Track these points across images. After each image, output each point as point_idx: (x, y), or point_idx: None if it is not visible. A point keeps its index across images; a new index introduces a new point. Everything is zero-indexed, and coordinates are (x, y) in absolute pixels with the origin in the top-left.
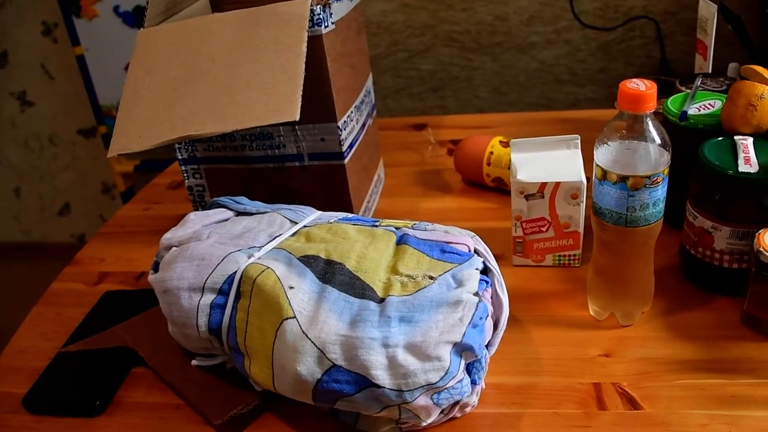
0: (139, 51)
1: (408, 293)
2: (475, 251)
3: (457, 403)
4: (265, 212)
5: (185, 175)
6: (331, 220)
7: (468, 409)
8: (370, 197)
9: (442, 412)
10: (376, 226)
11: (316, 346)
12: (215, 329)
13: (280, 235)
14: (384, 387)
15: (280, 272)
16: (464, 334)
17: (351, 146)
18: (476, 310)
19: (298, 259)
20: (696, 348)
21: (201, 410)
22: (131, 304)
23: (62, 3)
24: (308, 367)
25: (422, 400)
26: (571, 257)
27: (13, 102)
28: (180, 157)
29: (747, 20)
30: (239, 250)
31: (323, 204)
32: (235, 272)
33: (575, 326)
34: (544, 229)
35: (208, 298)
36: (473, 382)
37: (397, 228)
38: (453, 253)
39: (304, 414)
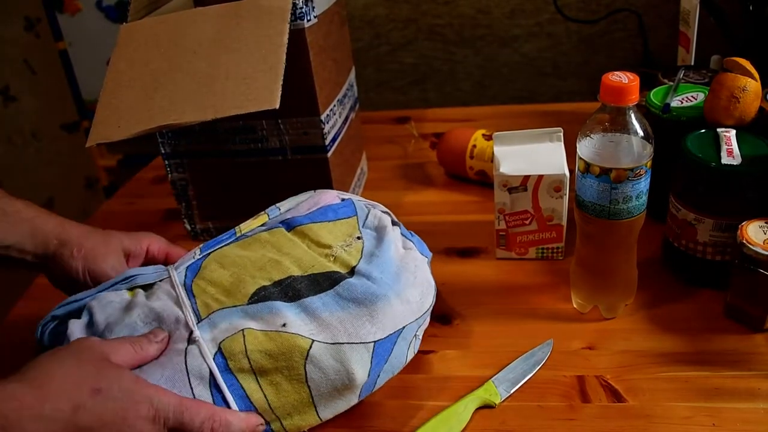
0: (121, 44)
1: (360, 256)
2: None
3: None
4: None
5: (168, 169)
6: (209, 252)
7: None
8: (353, 191)
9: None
10: (248, 235)
11: (353, 344)
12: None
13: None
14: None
15: (256, 326)
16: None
17: (334, 140)
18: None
19: (250, 305)
20: (679, 340)
21: None
22: None
23: None
24: (360, 364)
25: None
26: (555, 250)
27: None
28: (163, 152)
29: (729, 12)
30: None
31: None
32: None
33: (558, 319)
34: (527, 222)
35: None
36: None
37: (263, 224)
38: (340, 208)
39: None
